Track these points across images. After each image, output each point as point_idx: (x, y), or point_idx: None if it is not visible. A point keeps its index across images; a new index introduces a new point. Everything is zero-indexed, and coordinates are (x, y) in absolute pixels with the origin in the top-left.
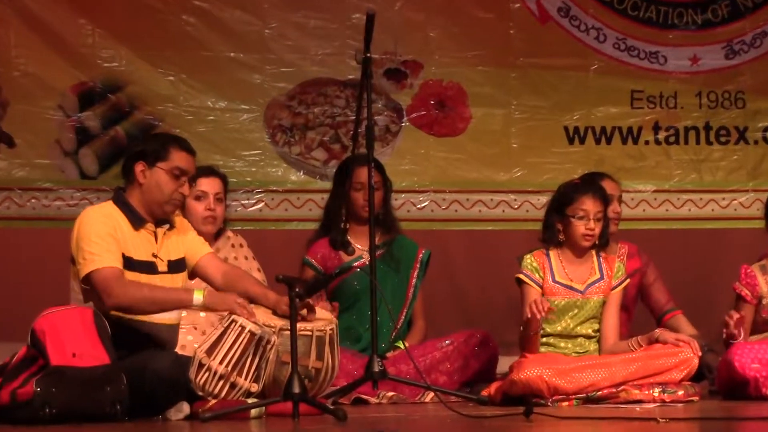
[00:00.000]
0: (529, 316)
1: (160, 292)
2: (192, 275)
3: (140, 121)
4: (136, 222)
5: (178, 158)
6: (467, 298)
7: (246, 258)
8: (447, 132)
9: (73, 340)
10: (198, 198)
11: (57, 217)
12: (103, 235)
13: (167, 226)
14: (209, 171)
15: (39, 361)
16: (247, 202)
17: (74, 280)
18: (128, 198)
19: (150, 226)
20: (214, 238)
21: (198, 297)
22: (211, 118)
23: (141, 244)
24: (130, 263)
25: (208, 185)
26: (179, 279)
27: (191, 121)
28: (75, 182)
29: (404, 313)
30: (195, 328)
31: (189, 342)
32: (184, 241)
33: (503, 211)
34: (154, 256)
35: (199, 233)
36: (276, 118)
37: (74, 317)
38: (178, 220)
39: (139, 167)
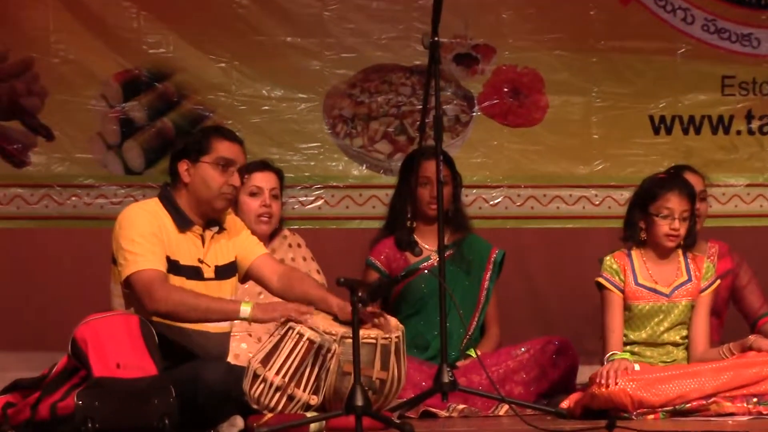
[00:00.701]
0: (603, 382)
1: (205, 301)
2: (245, 278)
3: (189, 111)
4: (183, 223)
5: (222, 148)
6: (544, 302)
7: (304, 259)
8: (522, 122)
9: (118, 350)
10: (252, 194)
11: (99, 216)
12: (146, 235)
13: (216, 228)
14: (264, 165)
15: (81, 372)
16: (305, 198)
17: (114, 283)
18: (176, 198)
19: (197, 228)
20: (269, 238)
21: (245, 309)
22: (266, 108)
23: (187, 247)
24: (175, 267)
25: (263, 180)
26: (227, 286)
27: (244, 111)
28: (119, 178)
29: (476, 319)
30: (249, 336)
31: (243, 351)
32: (236, 243)
33: (583, 207)
34: (200, 261)
35: (253, 233)
36: (336, 108)
37: (118, 325)
38: (230, 219)
39: (183, 166)
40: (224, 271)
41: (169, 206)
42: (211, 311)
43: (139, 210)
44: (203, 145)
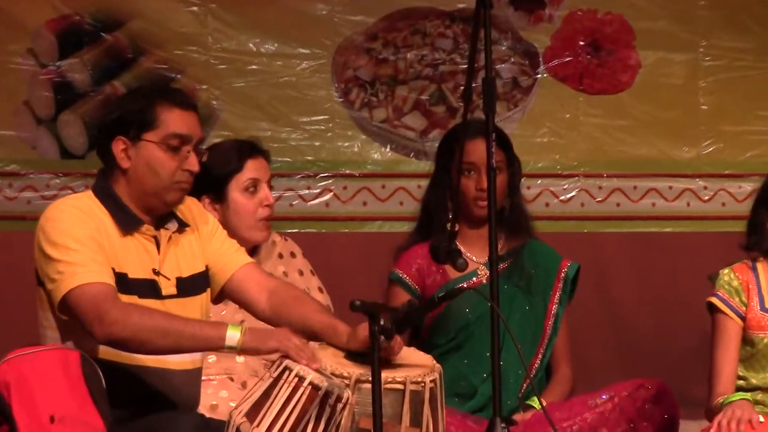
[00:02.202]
0: None
1: (177, 323)
2: (220, 296)
3: (148, 72)
4: (128, 222)
5: (172, 119)
6: (633, 333)
7: (301, 273)
8: (604, 87)
9: (52, 398)
10: (247, 190)
11: (26, 214)
12: (83, 239)
13: (173, 225)
14: (257, 149)
15: (1, 428)
16: (307, 192)
17: (43, 310)
18: (114, 188)
19: (147, 228)
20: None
21: (233, 334)
22: (254, 67)
23: (136, 254)
24: (122, 282)
25: (259, 169)
26: (195, 306)
27: (224, 72)
28: (53, 163)
29: (540, 356)
30: (231, 380)
31: (222, 400)
32: (206, 247)
33: (688, 204)
34: (156, 272)
35: (244, 243)
36: (350, 68)
37: (52, 363)
38: (187, 208)
39: (118, 146)
40: (190, 285)
41: (108, 201)
42: (186, 337)
43: (68, 208)
44: (145, 117)
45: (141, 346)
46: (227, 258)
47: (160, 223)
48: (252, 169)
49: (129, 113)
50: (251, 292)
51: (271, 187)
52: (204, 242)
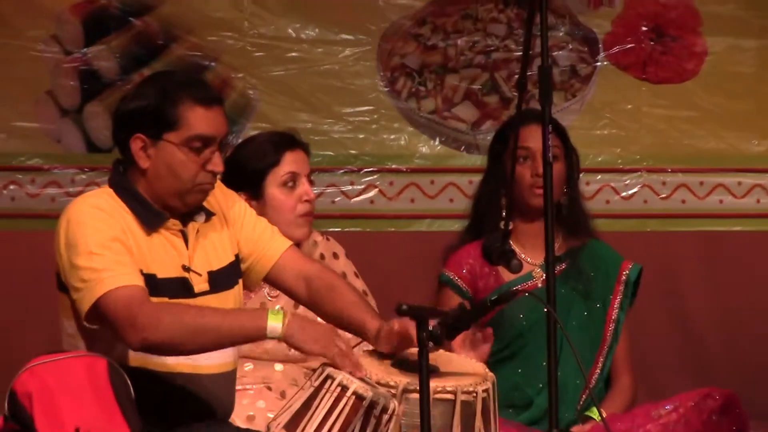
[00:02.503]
0: None
1: (213, 317)
2: (256, 284)
3: (180, 60)
4: (152, 219)
5: (196, 119)
6: (699, 339)
7: (345, 276)
8: (669, 76)
9: (78, 409)
10: (286, 184)
11: (50, 212)
12: (108, 242)
13: (202, 217)
14: (294, 141)
15: None
16: (350, 188)
17: (66, 318)
18: (133, 183)
19: (173, 222)
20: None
21: (274, 324)
22: (294, 54)
23: (164, 252)
24: (151, 284)
25: (298, 162)
26: (230, 299)
27: (262, 59)
28: (78, 157)
29: (600, 364)
30: (268, 389)
31: (259, 410)
32: (235, 233)
33: (758, 201)
34: (186, 268)
35: None
36: (397, 55)
37: (78, 371)
38: (213, 192)
39: (137, 144)
40: (223, 279)
41: (128, 197)
42: (223, 332)
43: (88, 209)
44: (166, 115)
45: (178, 347)
46: (265, 245)
47: (186, 216)
48: (290, 162)
49: (148, 110)
50: (290, 280)
51: (311, 182)
52: (233, 228)
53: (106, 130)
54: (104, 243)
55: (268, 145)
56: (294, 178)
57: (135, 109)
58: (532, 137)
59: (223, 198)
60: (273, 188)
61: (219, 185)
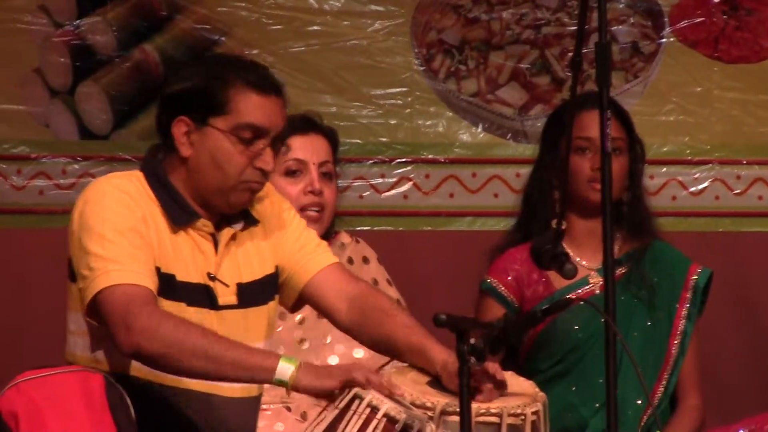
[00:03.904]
0: None
1: (220, 345)
2: (298, 304)
3: (186, 34)
4: (180, 216)
5: (249, 106)
6: None
7: (375, 283)
8: (745, 55)
9: (68, 430)
10: (290, 173)
11: (37, 207)
12: (124, 230)
13: (239, 225)
14: (308, 124)
15: None
16: (381, 181)
17: (74, 310)
18: (170, 175)
19: (204, 223)
20: None
21: (286, 366)
22: (316, 28)
23: (189, 254)
24: (168, 285)
25: (309, 149)
26: (261, 317)
27: (279, 33)
28: (70, 145)
29: (664, 381)
30: (288, 410)
31: None
32: (278, 242)
33: None
34: (212, 277)
35: None
36: (433, 29)
37: (71, 388)
38: (266, 201)
39: (180, 128)
40: (254, 293)
41: (160, 187)
42: (226, 363)
43: (112, 189)
44: (215, 97)
45: (172, 364)
46: (305, 257)
47: (222, 220)
48: (298, 148)
49: (195, 90)
50: (329, 300)
51: (336, 175)
52: (276, 237)
53: (102, 114)
54: (121, 230)
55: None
56: (301, 166)
57: (180, 90)
58: (593, 125)
59: (270, 204)
60: (276, 176)
61: (270, 188)
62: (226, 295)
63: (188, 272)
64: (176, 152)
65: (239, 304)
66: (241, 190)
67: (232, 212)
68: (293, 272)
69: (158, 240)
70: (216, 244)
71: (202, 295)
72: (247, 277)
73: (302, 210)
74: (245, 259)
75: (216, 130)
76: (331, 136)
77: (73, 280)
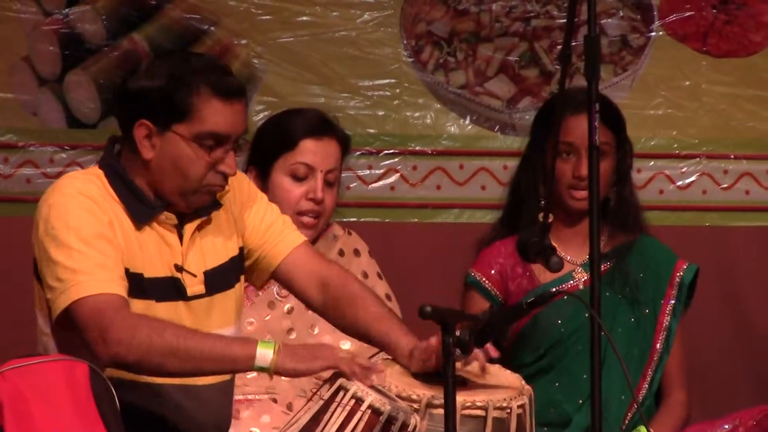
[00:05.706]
0: None
1: (195, 341)
2: (266, 283)
3: (175, 23)
4: (142, 213)
5: (212, 114)
6: (765, 350)
7: (365, 276)
8: (733, 49)
9: (55, 420)
10: (295, 176)
11: (25, 196)
12: (90, 239)
13: (204, 216)
14: (324, 127)
15: None
16: (368, 173)
17: (42, 309)
18: (129, 170)
19: (168, 216)
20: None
21: (264, 352)
22: (305, 19)
23: (154, 249)
24: (136, 285)
25: (320, 155)
26: (229, 301)
27: (268, 24)
28: (58, 133)
29: (649, 377)
30: (274, 402)
31: (264, 425)
32: (242, 221)
33: None
34: (179, 268)
35: None
36: (422, 21)
37: (56, 378)
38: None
39: (141, 132)
40: (221, 277)
41: (119, 185)
42: (205, 358)
43: (74, 194)
44: (178, 102)
45: (154, 369)
46: (275, 237)
47: (184, 214)
48: (308, 151)
49: (158, 93)
50: (301, 281)
51: (338, 181)
52: (240, 216)
53: (90, 103)
54: (87, 239)
55: (287, 124)
56: (308, 172)
57: (143, 90)
58: (578, 130)
59: (240, 187)
60: (280, 174)
61: (244, 180)
62: (195, 285)
63: (155, 268)
64: (136, 154)
65: (207, 291)
66: (203, 193)
67: (191, 211)
68: (264, 253)
69: (125, 241)
70: (181, 235)
71: (170, 289)
72: (212, 263)
73: (299, 214)
74: (210, 245)
75: (178, 137)
76: (344, 142)
77: (40, 281)
